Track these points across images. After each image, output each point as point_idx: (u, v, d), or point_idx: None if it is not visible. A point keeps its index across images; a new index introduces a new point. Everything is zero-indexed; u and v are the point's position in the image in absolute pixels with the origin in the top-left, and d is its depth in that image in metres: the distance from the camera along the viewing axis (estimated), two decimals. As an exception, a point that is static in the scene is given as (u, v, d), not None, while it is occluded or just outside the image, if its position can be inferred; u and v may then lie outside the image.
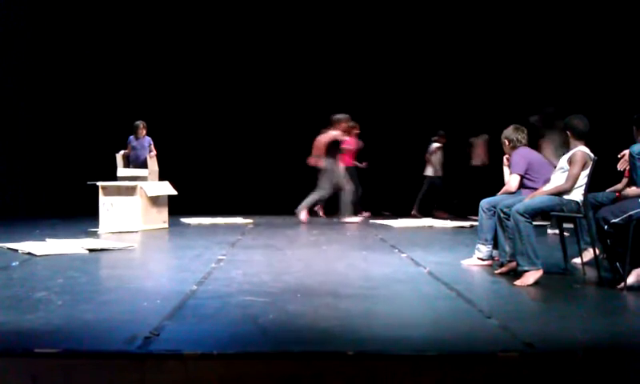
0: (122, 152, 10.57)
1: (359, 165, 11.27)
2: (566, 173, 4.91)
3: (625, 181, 5.43)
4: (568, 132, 4.97)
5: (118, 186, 8.83)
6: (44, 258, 5.88)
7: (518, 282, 4.71)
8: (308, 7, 12.22)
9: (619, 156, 5.31)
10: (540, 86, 11.45)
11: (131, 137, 10.54)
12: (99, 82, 12.04)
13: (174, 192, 9.74)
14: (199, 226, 9.50)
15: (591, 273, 5.11)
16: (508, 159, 5.66)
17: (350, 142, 10.82)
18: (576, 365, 2.90)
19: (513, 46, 11.75)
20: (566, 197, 4.88)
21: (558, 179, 4.99)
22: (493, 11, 11.83)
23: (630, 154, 4.86)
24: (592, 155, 4.91)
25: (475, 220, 6.76)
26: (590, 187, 4.94)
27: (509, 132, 5.67)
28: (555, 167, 5.23)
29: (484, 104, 11.81)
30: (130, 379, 2.81)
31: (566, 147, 5.38)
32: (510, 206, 4.99)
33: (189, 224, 9.67)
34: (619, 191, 5.14)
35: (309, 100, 12.50)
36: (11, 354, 2.90)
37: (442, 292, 4.46)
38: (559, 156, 5.63)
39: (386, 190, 12.31)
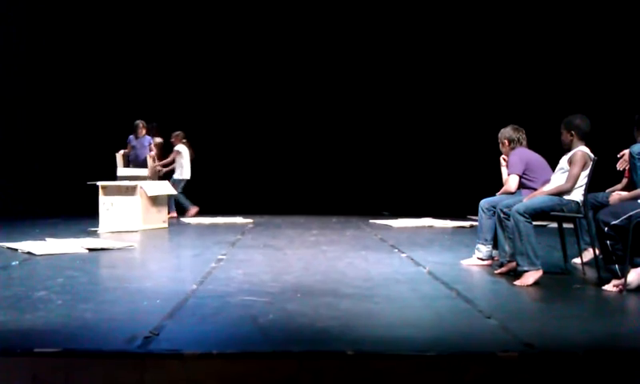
0: (121, 151, 10.59)
1: None
2: (566, 173, 4.91)
3: (625, 181, 5.44)
4: (572, 132, 4.96)
5: (118, 186, 8.84)
6: (44, 258, 5.88)
7: (517, 282, 4.71)
8: (309, 8, 12.22)
9: (619, 156, 5.31)
10: (540, 86, 11.46)
11: (131, 136, 10.55)
12: (99, 81, 12.04)
13: (173, 192, 9.75)
14: (199, 225, 9.50)
15: (591, 273, 5.10)
16: (505, 159, 5.67)
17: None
18: (576, 365, 2.90)
19: (512, 46, 11.75)
20: (566, 197, 4.88)
21: (558, 179, 4.99)
22: (492, 10, 11.83)
23: (630, 154, 4.87)
24: (592, 155, 4.91)
25: (475, 220, 6.76)
26: (590, 187, 4.94)
27: (509, 132, 5.67)
28: None
29: (483, 104, 11.81)
30: (130, 379, 2.81)
31: None
32: (509, 206, 4.99)
33: (188, 223, 9.67)
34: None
35: (308, 100, 12.51)
36: (11, 353, 2.89)
37: (442, 292, 4.46)
38: None
39: (385, 190, 12.32)
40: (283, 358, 2.91)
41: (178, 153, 10.74)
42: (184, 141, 10.87)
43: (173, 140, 10.82)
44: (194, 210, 10.69)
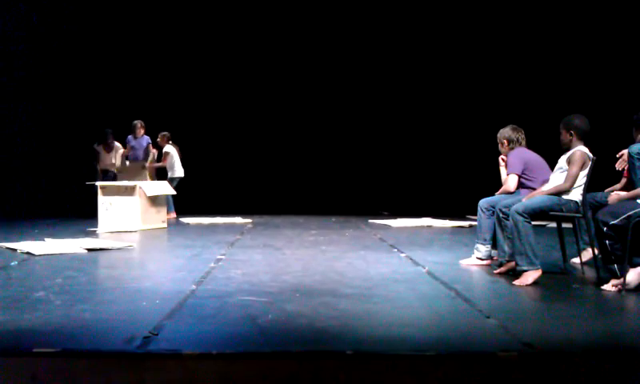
0: (121, 151, 10.59)
1: None
2: (565, 173, 4.91)
3: (623, 181, 5.44)
4: (571, 132, 4.96)
5: (117, 186, 8.83)
6: (43, 258, 5.88)
7: (516, 282, 4.71)
8: (309, 7, 12.22)
9: (618, 155, 5.31)
10: (539, 86, 11.46)
11: (130, 136, 10.56)
12: (98, 82, 12.03)
13: (172, 192, 9.75)
14: (198, 225, 9.50)
15: (590, 273, 5.11)
16: (504, 159, 5.67)
17: None
18: (575, 365, 2.90)
19: (511, 46, 11.75)
20: (564, 197, 4.88)
21: (557, 179, 4.99)
22: (492, 10, 11.83)
23: (629, 154, 4.86)
24: (591, 155, 4.91)
25: (474, 220, 6.76)
26: (589, 187, 4.94)
27: (508, 132, 5.66)
28: None
29: (482, 104, 11.81)
30: (129, 379, 2.81)
31: None
32: (508, 206, 4.99)
33: (188, 223, 9.67)
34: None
35: (308, 100, 12.51)
36: (10, 353, 2.89)
37: (441, 292, 4.46)
38: None
39: (384, 190, 12.32)
40: (282, 358, 2.91)
41: (167, 153, 10.72)
42: (170, 141, 10.85)
43: (159, 140, 10.80)
44: (172, 214, 10.54)
